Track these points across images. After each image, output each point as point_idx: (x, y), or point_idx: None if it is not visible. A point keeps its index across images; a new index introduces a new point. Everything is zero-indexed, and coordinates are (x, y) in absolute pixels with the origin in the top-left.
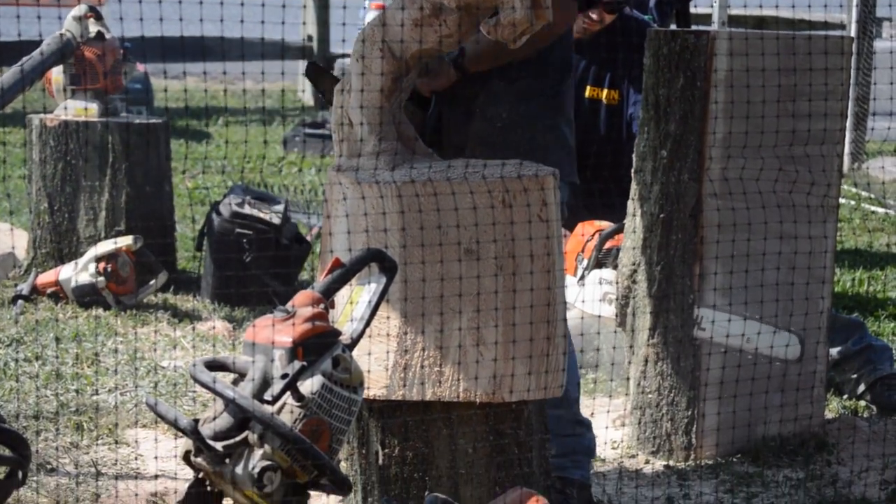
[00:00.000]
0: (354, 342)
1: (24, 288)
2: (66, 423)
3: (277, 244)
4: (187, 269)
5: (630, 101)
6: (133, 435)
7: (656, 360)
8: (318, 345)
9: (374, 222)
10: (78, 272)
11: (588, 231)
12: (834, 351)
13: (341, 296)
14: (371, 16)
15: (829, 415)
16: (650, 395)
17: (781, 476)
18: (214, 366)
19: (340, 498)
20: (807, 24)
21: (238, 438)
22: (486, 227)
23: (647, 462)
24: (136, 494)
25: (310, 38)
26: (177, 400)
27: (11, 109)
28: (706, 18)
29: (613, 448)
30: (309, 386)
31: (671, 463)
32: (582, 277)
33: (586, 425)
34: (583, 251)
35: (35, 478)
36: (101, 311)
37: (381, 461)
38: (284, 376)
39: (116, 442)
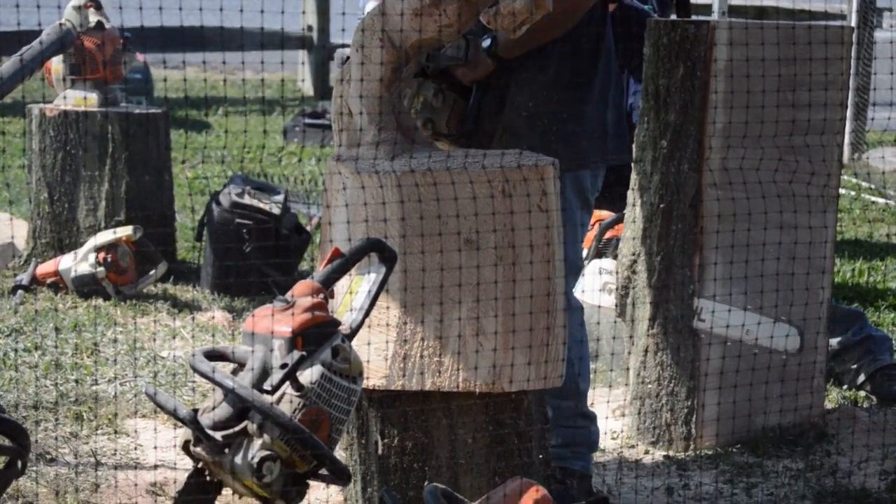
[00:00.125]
0: (354, 332)
1: (24, 278)
2: (65, 412)
3: (277, 234)
4: (187, 260)
5: (630, 90)
6: (132, 425)
7: (656, 351)
8: (318, 335)
9: (374, 212)
10: (78, 262)
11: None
12: (834, 341)
13: (341, 286)
14: (371, 5)
15: (828, 405)
16: (650, 386)
17: (781, 466)
18: (214, 356)
19: (340, 488)
20: (807, 13)
21: (237, 428)
22: (485, 217)
23: (646, 452)
24: (136, 484)
25: (309, 28)
26: (176, 390)
27: (11, 99)
28: (706, 8)
29: (613, 438)
30: (308, 376)
31: (671, 453)
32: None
33: (591, 418)
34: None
35: (34, 467)
36: (100, 301)
37: (380, 451)
38: (284, 366)
39: (116, 432)
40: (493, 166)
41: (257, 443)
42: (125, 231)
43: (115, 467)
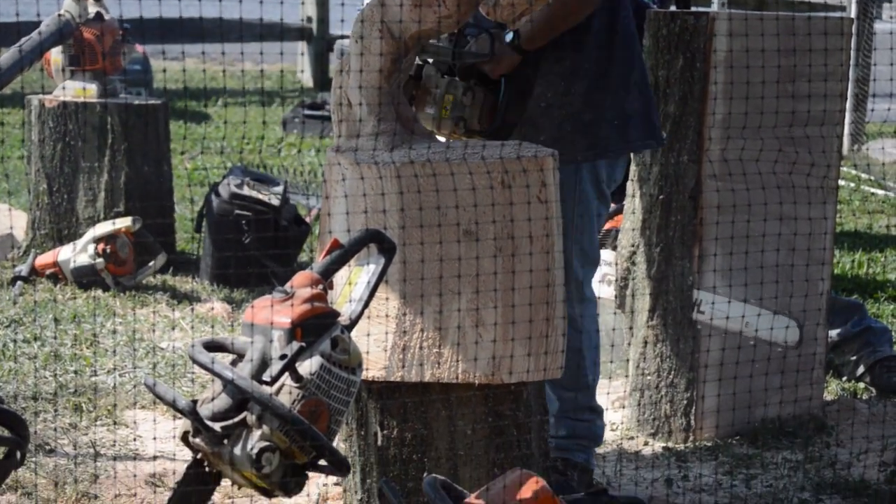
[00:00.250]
0: (353, 323)
1: (23, 269)
2: (64, 404)
3: (276, 225)
4: (186, 251)
5: None
6: (132, 416)
7: (655, 342)
8: (317, 326)
9: (373, 203)
10: (77, 253)
11: None
12: (833, 333)
13: (340, 277)
14: None
15: (828, 397)
16: (649, 377)
17: (780, 458)
18: (213, 347)
19: (339, 479)
20: (807, 5)
21: (236, 419)
22: (485, 209)
23: (646, 444)
24: (135, 475)
25: (309, 20)
26: (175, 381)
27: (10, 90)
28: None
29: (612, 430)
30: (307, 367)
31: (670, 445)
32: None
33: (598, 412)
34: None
35: (34, 458)
36: (99, 292)
37: (379, 442)
38: (283, 357)
39: (115, 423)
40: (493, 157)
41: (256, 434)
42: (124, 222)
43: (115, 458)
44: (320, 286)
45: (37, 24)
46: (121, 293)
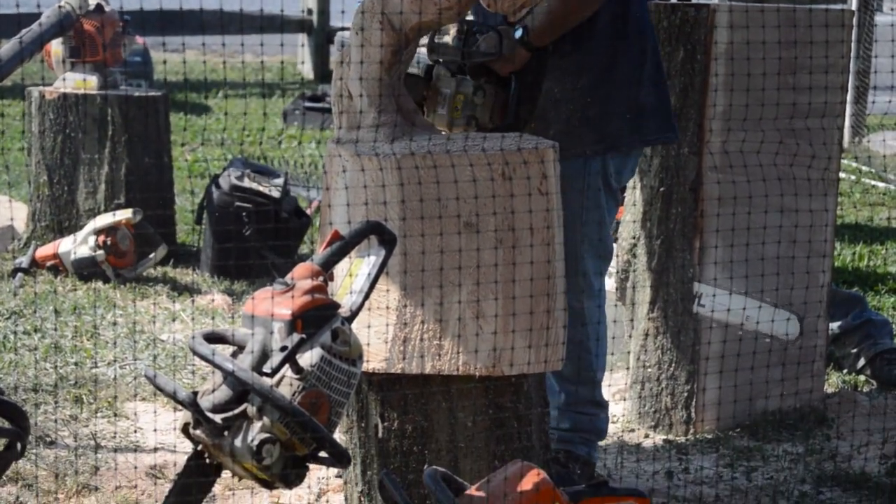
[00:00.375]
0: (353, 315)
1: (24, 261)
2: (65, 395)
3: (277, 217)
4: (187, 243)
5: None
6: (132, 408)
7: (656, 335)
8: (317, 317)
9: (374, 195)
10: (77, 245)
11: None
12: (834, 325)
13: (340, 268)
14: None
15: (828, 389)
16: (650, 370)
17: (781, 450)
18: (213, 338)
19: (339, 471)
20: None
21: (237, 411)
22: (485, 200)
23: (646, 436)
24: (136, 467)
25: (309, 11)
26: (176, 373)
27: (10, 82)
28: None
29: (613, 422)
30: (308, 358)
31: (671, 437)
32: None
33: (603, 406)
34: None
35: (34, 450)
36: (100, 284)
37: (380, 434)
38: (283, 349)
39: (115, 415)
40: (493, 149)
41: (257, 425)
42: (125, 214)
43: (115, 450)
44: (321, 278)
45: (37, 16)
46: (121, 285)
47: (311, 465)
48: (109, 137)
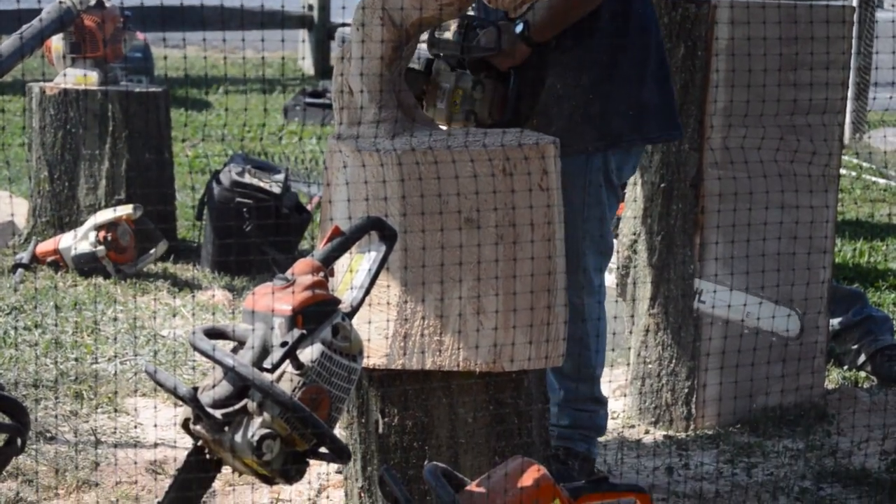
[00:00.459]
0: (354, 310)
1: (24, 256)
2: (65, 391)
3: (278, 213)
4: (187, 238)
5: None
6: (132, 403)
7: (657, 330)
8: (318, 313)
9: (374, 190)
10: (78, 241)
11: None
12: (835, 322)
13: (341, 264)
14: None
15: (829, 385)
16: (650, 366)
17: (781, 446)
18: (214, 334)
19: (340, 466)
20: None
21: (237, 406)
22: (486, 196)
23: (647, 432)
24: (136, 463)
25: (310, 7)
26: (176, 368)
27: (11, 77)
28: None
29: (613, 418)
30: (308, 354)
31: (671, 433)
32: None
33: (602, 403)
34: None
35: (34, 446)
36: (100, 279)
37: (380, 430)
38: (284, 344)
39: (116, 410)
40: (494, 145)
41: (257, 421)
42: (125, 209)
43: (115, 445)
44: (321, 273)
45: (38, 12)
46: (122, 281)
47: (312, 461)
48: (110, 133)
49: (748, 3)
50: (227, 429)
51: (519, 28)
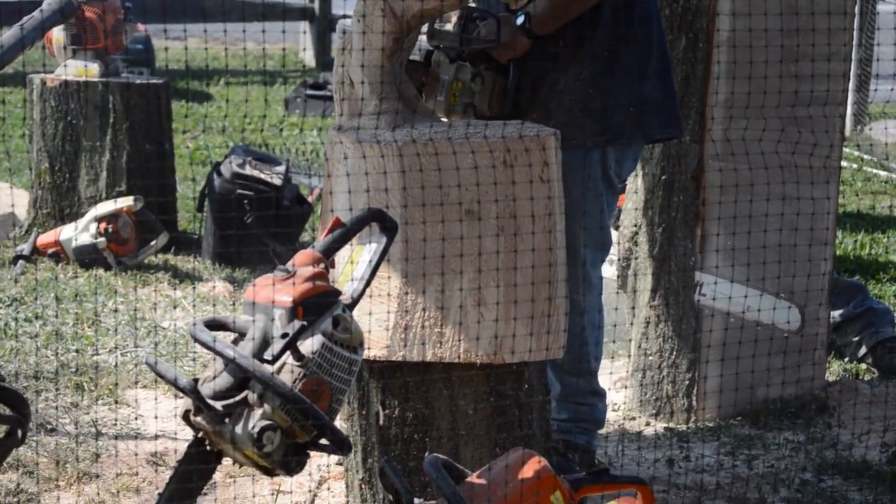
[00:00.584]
0: (355, 302)
1: (25, 248)
2: (66, 383)
3: (278, 205)
4: (188, 230)
5: None
6: (133, 395)
7: (657, 323)
8: (319, 304)
9: (375, 182)
10: (79, 232)
11: None
12: (835, 314)
13: (341, 256)
14: None
15: (830, 378)
16: (651, 358)
17: (782, 438)
18: (214, 325)
19: (340, 458)
20: None
21: (238, 398)
22: (487, 188)
23: (647, 424)
24: (136, 454)
25: None
26: (177, 360)
27: (12, 69)
28: None
29: (614, 410)
30: (309, 346)
31: (672, 425)
32: None
33: (601, 395)
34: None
35: (35, 437)
36: (101, 271)
37: (381, 422)
38: (284, 336)
39: (116, 402)
40: (495, 136)
41: (258, 412)
42: (126, 201)
43: (116, 437)
44: (322, 265)
45: (38, 3)
46: (122, 272)
47: (312, 453)
48: (111, 125)
49: None
50: (227, 420)
51: (520, 20)
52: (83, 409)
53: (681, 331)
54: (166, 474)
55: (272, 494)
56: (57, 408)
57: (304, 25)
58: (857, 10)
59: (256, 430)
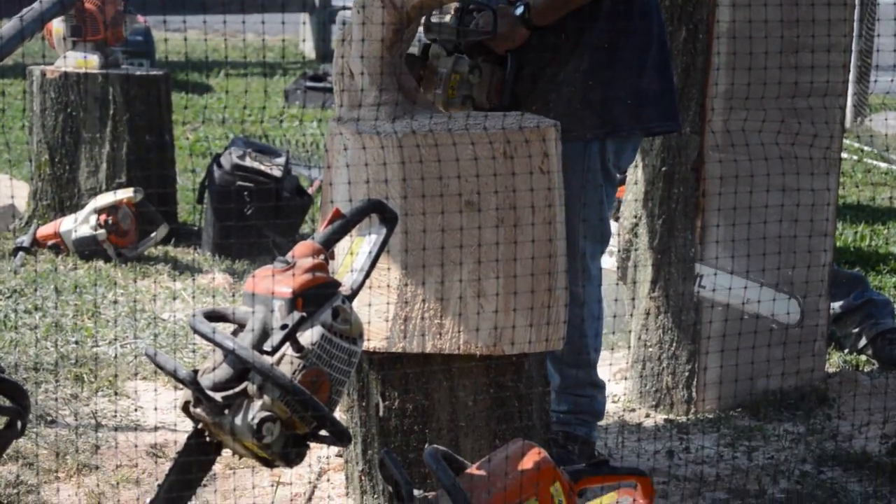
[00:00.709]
0: (354, 293)
1: (25, 240)
2: (65, 374)
3: (278, 196)
4: (188, 222)
5: None
6: (133, 387)
7: (657, 314)
8: (318, 296)
9: (375, 173)
10: (78, 224)
11: None
12: (835, 305)
13: (341, 247)
14: None
15: (830, 369)
16: (651, 349)
17: (782, 430)
18: (214, 316)
19: (340, 449)
20: None
21: (237, 389)
22: (487, 179)
23: (647, 416)
24: (136, 446)
25: None
26: (176, 352)
27: (11, 60)
28: None
29: (614, 402)
30: (308, 337)
31: (672, 416)
32: None
33: (600, 387)
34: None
35: (35, 429)
36: (101, 263)
37: (381, 413)
38: (284, 327)
39: (116, 393)
40: (495, 128)
41: (257, 404)
42: (126, 193)
43: (116, 429)
44: (322, 256)
45: None
46: (122, 264)
47: (312, 444)
48: (111, 116)
49: None
50: (227, 411)
51: (519, 10)
52: (83, 401)
53: (681, 322)
54: (166, 466)
55: (272, 486)
56: (57, 399)
57: (303, 17)
58: (857, 0)
59: (256, 421)
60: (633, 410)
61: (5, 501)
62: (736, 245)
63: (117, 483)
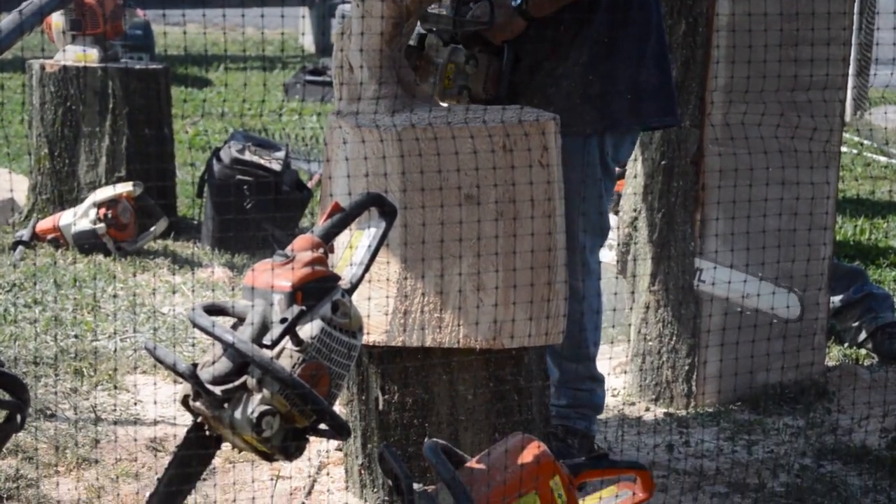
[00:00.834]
0: (354, 287)
1: (24, 234)
2: (65, 368)
3: (278, 190)
4: (187, 216)
5: None
6: (132, 380)
7: (657, 308)
8: (318, 289)
9: (374, 167)
10: (78, 218)
11: None
12: (835, 299)
13: (341, 240)
14: None
15: (830, 363)
16: (651, 343)
17: (782, 423)
18: (213, 310)
19: (339, 443)
20: None
21: (237, 383)
22: (486, 172)
23: (647, 409)
24: (136, 440)
25: None
26: (176, 345)
27: (11, 54)
28: None
29: (614, 396)
30: (308, 330)
31: (671, 410)
32: None
33: (599, 381)
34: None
35: (34, 423)
36: (100, 256)
37: (380, 407)
38: (283, 321)
39: (116, 387)
40: (495, 121)
41: (257, 397)
42: (125, 187)
43: (115, 423)
44: (321, 250)
45: None
46: (122, 258)
47: (312, 438)
48: (110, 110)
49: None
50: (226, 405)
51: (516, 1)
52: (82, 395)
53: (680, 316)
54: (165, 459)
55: (271, 479)
56: (56, 393)
57: (303, 10)
58: None
59: (255, 414)
60: (633, 404)
61: (5, 495)
62: (735, 239)
63: (117, 477)
